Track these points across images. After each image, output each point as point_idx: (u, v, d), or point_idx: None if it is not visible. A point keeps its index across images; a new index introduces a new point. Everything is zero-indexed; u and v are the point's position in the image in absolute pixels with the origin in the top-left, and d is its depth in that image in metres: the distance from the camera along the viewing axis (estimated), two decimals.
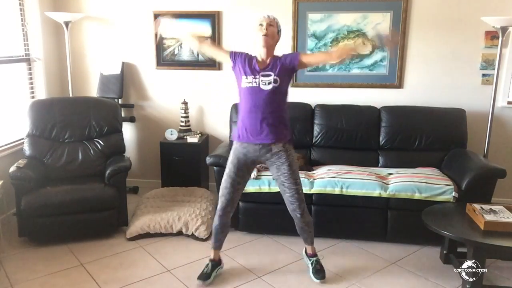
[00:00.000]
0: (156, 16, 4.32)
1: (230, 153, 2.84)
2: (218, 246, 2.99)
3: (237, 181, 2.79)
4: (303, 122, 4.02)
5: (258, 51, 2.72)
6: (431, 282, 2.96)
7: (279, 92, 2.68)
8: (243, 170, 2.80)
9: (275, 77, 2.65)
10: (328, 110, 4.03)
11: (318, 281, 2.91)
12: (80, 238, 3.44)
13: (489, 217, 2.77)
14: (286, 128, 2.78)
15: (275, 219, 3.46)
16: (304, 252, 3.10)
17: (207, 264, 2.96)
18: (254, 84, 2.65)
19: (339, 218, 3.48)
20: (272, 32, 2.67)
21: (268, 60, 2.71)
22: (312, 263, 2.98)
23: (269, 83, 2.64)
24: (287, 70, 2.71)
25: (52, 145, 3.76)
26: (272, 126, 2.68)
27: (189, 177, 4.27)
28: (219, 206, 2.86)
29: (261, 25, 2.67)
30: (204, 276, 2.89)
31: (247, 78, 2.68)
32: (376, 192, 3.32)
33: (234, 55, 2.78)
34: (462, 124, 3.89)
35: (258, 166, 3.55)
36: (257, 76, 2.66)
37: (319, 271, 2.93)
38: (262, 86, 2.64)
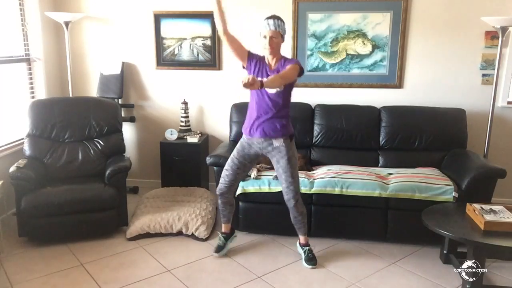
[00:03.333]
0: (156, 16, 4.34)
1: (238, 142, 3.10)
2: (226, 221, 3.28)
3: (238, 166, 3.06)
4: (303, 122, 4.02)
5: (265, 54, 2.91)
6: (431, 282, 2.96)
7: (283, 94, 2.89)
8: (245, 158, 3.05)
9: None
10: (328, 110, 4.03)
11: (310, 267, 3.09)
12: (80, 238, 3.44)
13: (489, 217, 2.77)
14: (287, 125, 2.99)
15: (275, 219, 3.46)
16: (297, 243, 3.26)
17: (220, 238, 3.28)
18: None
19: (339, 218, 3.47)
20: (276, 43, 2.84)
21: (274, 63, 2.90)
22: (305, 252, 3.16)
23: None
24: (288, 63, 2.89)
25: (52, 145, 3.76)
26: (274, 124, 2.91)
27: (189, 177, 4.27)
28: (218, 187, 3.16)
29: (264, 37, 2.82)
30: (218, 248, 3.23)
31: (260, 78, 2.80)
32: (376, 192, 3.32)
33: (250, 55, 2.95)
34: (462, 124, 3.89)
35: (258, 166, 3.56)
36: (266, 78, 2.79)
37: (311, 259, 3.12)
38: (268, 90, 2.83)
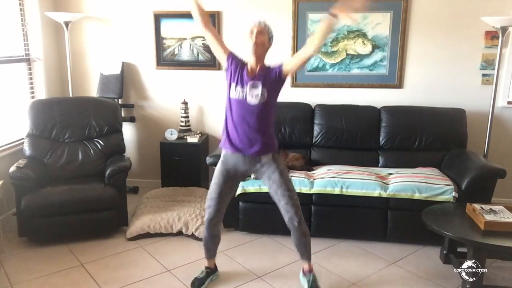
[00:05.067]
0: (156, 16, 4.34)
1: (218, 163, 2.73)
2: (210, 256, 2.95)
3: (225, 192, 2.72)
4: (303, 122, 4.02)
5: (248, 58, 2.61)
6: (431, 282, 2.96)
7: (267, 106, 2.56)
8: (232, 180, 2.74)
9: (263, 89, 2.52)
10: (328, 110, 4.03)
11: None
12: (80, 238, 3.44)
13: (489, 217, 2.77)
14: (274, 139, 2.69)
15: (275, 219, 3.43)
16: (301, 272, 2.89)
17: (202, 271, 2.92)
18: (241, 97, 2.54)
19: (339, 218, 3.47)
20: (262, 41, 2.54)
21: (257, 69, 2.57)
22: (309, 281, 2.77)
23: (256, 96, 2.52)
24: (275, 82, 2.56)
25: (52, 145, 3.76)
26: (260, 139, 2.58)
27: (189, 177, 4.27)
28: (206, 217, 2.77)
29: (251, 32, 2.54)
30: (198, 283, 2.85)
31: (236, 88, 2.57)
32: (376, 192, 3.32)
33: (231, 58, 2.65)
34: (462, 124, 3.89)
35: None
36: (245, 87, 2.54)
37: None
38: (249, 99, 2.52)
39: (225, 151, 2.70)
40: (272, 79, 2.56)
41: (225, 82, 2.66)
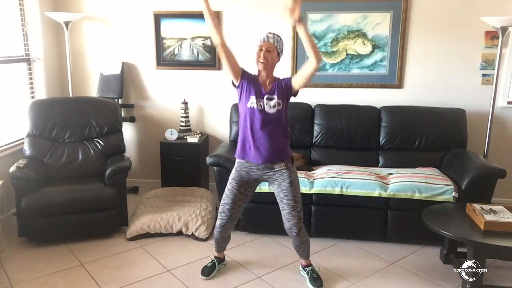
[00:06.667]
0: (156, 16, 4.33)
1: (232, 170, 2.84)
2: (220, 250, 3.10)
3: (239, 197, 2.80)
4: (303, 122, 4.02)
5: (259, 72, 2.70)
6: (431, 282, 2.96)
7: (282, 114, 2.69)
8: (246, 187, 2.82)
9: (278, 100, 2.65)
10: (328, 110, 4.04)
11: None
12: (80, 238, 3.44)
13: (489, 217, 2.77)
14: (287, 148, 2.80)
15: (275, 219, 3.43)
16: (300, 267, 3.05)
17: (212, 260, 3.06)
18: (259, 107, 2.65)
19: (339, 218, 3.47)
20: (270, 59, 2.63)
21: (269, 83, 2.69)
22: (308, 272, 2.95)
23: (274, 106, 2.64)
24: (285, 93, 2.68)
25: (52, 145, 3.76)
26: (275, 147, 2.69)
27: (189, 177, 4.27)
28: (218, 223, 2.87)
29: (260, 49, 2.63)
30: (208, 271, 2.99)
31: (255, 99, 2.66)
32: (376, 192, 3.33)
33: (243, 74, 2.72)
34: (462, 124, 3.89)
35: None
36: (262, 99, 2.65)
37: (316, 279, 2.90)
38: (267, 109, 2.64)
39: (239, 160, 2.80)
40: (282, 89, 2.67)
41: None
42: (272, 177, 2.75)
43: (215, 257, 3.08)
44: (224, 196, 2.83)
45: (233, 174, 2.82)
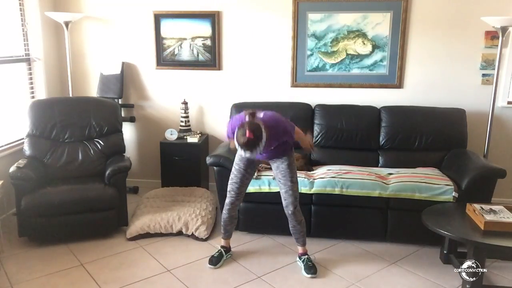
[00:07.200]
0: (156, 16, 4.33)
1: (237, 154, 2.99)
2: (228, 236, 3.22)
3: (246, 176, 3.02)
4: (303, 122, 4.01)
5: None
6: (431, 282, 2.96)
7: (281, 144, 2.86)
8: (251, 166, 3.02)
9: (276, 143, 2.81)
10: (328, 110, 4.03)
11: (309, 275, 2.98)
12: (80, 238, 3.44)
13: (489, 217, 2.77)
14: (289, 148, 2.96)
15: (275, 219, 3.45)
16: (297, 258, 3.17)
17: (219, 250, 3.17)
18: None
19: (339, 218, 3.47)
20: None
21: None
22: (303, 261, 3.07)
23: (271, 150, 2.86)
24: (282, 134, 2.79)
25: (52, 145, 3.76)
26: (280, 152, 2.92)
27: (189, 177, 4.27)
28: (228, 200, 3.06)
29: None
30: (215, 260, 3.11)
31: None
32: (376, 192, 3.33)
33: None
34: (462, 124, 3.89)
35: (258, 166, 3.55)
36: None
37: (310, 267, 3.01)
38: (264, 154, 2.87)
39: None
40: (278, 138, 2.77)
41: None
42: (272, 158, 2.98)
43: (222, 247, 3.20)
44: (232, 176, 3.02)
45: (238, 156, 3.00)
